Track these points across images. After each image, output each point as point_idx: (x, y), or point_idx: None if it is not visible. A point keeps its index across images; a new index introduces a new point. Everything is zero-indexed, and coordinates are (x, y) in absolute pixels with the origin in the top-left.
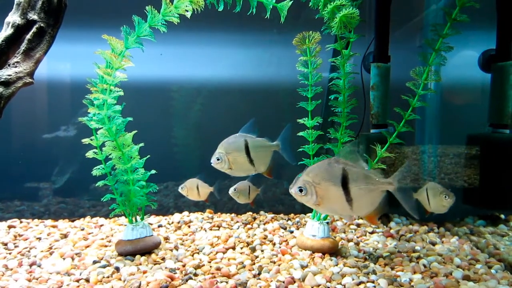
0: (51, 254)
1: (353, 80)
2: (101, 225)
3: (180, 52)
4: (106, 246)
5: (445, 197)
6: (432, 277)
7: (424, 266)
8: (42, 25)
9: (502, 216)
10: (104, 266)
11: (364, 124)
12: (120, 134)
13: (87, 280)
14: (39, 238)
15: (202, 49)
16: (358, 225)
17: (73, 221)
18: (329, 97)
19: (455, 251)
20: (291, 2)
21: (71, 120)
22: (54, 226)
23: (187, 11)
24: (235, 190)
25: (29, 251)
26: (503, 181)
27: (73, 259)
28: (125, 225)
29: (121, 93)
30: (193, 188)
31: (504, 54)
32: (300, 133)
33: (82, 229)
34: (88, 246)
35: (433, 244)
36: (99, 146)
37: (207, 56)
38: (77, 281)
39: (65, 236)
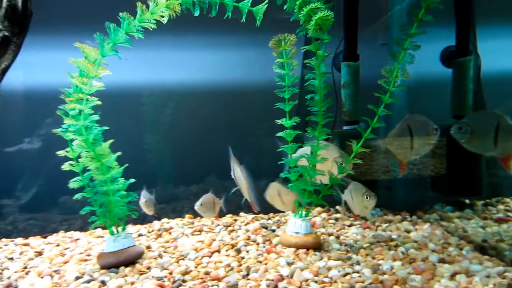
0: (27, 274)
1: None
2: (77, 239)
3: (148, 57)
4: (86, 260)
5: (367, 197)
6: (411, 263)
7: (402, 253)
8: (6, 33)
9: (467, 201)
10: (88, 281)
11: (337, 122)
12: (98, 144)
13: None
14: (11, 258)
15: (171, 53)
16: (336, 219)
17: (45, 237)
18: (306, 97)
19: (429, 237)
20: (266, 5)
21: (35, 132)
22: (26, 244)
23: (163, 17)
24: (201, 205)
25: (1, 273)
26: (466, 169)
27: (52, 277)
28: (103, 237)
29: (99, 103)
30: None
31: (463, 51)
32: (280, 134)
33: (58, 245)
34: (66, 262)
35: (408, 232)
36: (76, 157)
37: (177, 60)
38: None
39: (39, 253)
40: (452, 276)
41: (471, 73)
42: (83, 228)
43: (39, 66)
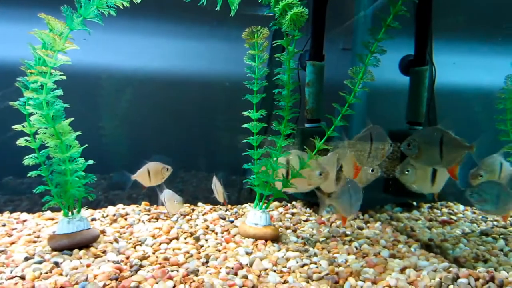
0: None
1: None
2: (25, 220)
3: (111, 39)
4: (35, 242)
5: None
6: (364, 257)
7: (356, 248)
8: None
9: (415, 203)
10: (39, 262)
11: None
12: (60, 120)
13: (23, 278)
14: None
15: (134, 37)
16: (293, 214)
17: None
18: (273, 91)
19: (380, 234)
20: None
21: None
22: None
23: None
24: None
25: None
26: None
27: None
28: (53, 220)
29: (63, 77)
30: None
31: (420, 60)
32: (245, 125)
33: (3, 225)
34: (13, 243)
35: (361, 229)
36: (33, 133)
37: (139, 45)
38: (11, 278)
39: None
40: (402, 270)
41: (427, 82)
42: (30, 210)
43: None
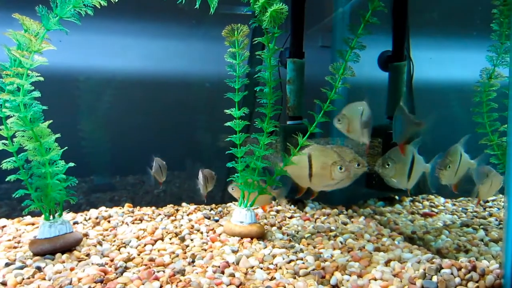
0: None
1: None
2: (4, 226)
3: (88, 40)
4: (15, 247)
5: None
6: (349, 251)
7: (341, 242)
8: None
9: (397, 197)
10: (21, 268)
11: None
12: (39, 123)
13: (4, 284)
14: None
15: (113, 38)
16: (278, 211)
17: None
18: (255, 89)
19: (364, 229)
20: None
21: None
22: None
23: None
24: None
25: None
26: None
27: None
28: (34, 224)
29: (41, 78)
30: None
31: (398, 56)
32: (228, 123)
33: None
34: None
35: (345, 224)
36: (10, 136)
37: (118, 46)
38: None
39: None
40: (387, 263)
41: (405, 77)
42: (9, 215)
43: None
